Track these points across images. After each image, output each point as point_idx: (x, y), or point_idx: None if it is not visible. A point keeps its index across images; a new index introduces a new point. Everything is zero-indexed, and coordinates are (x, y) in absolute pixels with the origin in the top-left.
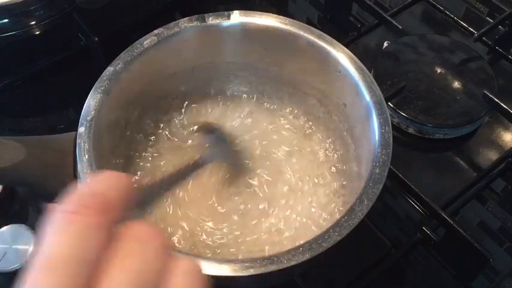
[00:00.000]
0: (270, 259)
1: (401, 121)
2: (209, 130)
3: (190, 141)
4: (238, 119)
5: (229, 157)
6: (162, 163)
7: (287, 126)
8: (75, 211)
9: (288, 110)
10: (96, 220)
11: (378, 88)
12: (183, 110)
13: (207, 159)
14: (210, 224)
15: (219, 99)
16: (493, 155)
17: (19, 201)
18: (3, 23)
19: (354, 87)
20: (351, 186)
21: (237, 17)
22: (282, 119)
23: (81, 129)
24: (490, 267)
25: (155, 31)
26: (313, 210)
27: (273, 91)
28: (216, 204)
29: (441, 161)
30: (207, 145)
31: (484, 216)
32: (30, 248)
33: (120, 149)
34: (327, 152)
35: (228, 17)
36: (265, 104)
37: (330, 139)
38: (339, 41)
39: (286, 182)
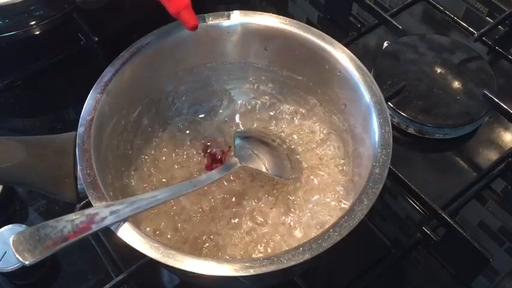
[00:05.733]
0: (270, 259)
1: (401, 121)
2: (241, 136)
3: (190, 141)
4: (239, 118)
5: (255, 161)
6: (162, 163)
7: (286, 126)
8: None
9: (288, 110)
10: None
11: (378, 88)
12: (183, 110)
13: (236, 163)
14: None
15: (219, 99)
16: (493, 155)
17: (19, 201)
18: (3, 23)
19: (354, 87)
20: (351, 185)
21: (237, 17)
22: (282, 119)
23: (81, 129)
24: (490, 267)
25: (155, 31)
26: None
27: (272, 91)
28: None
29: (441, 161)
30: (237, 150)
31: (484, 216)
32: None
33: (120, 149)
34: (327, 152)
35: (228, 17)
36: (265, 104)
37: (330, 139)
38: (339, 41)
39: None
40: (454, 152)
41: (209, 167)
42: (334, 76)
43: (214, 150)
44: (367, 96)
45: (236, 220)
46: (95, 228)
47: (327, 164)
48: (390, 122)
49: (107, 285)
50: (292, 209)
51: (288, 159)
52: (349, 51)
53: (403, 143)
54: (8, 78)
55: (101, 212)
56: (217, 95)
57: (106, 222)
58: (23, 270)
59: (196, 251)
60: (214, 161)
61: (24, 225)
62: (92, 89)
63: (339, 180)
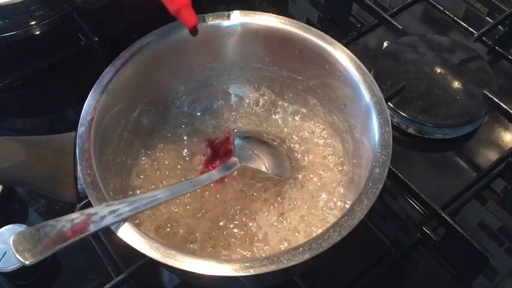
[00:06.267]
0: (270, 259)
1: (401, 121)
2: (241, 136)
3: (190, 141)
4: (239, 118)
5: (256, 161)
6: (162, 163)
7: (286, 126)
8: None
9: (288, 110)
10: None
11: (378, 88)
12: (183, 109)
13: (236, 163)
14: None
15: (219, 99)
16: (493, 155)
17: (19, 201)
18: (3, 23)
19: (354, 87)
20: (351, 185)
21: (237, 17)
22: (282, 119)
23: (81, 129)
24: (490, 267)
25: (155, 31)
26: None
27: (272, 91)
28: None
29: (441, 161)
30: (237, 150)
31: (484, 216)
32: None
33: (120, 149)
34: (327, 152)
35: (228, 17)
36: (265, 104)
37: (330, 139)
38: (339, 41)
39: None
40: (454, 152)
41: (207, 164)
42: (334, 76)
43: (214, 146)
44: (367, 96)
45: (236, 220)
46: (94, 228)
47: (327, 164)
48: (390, 122)
49: (107, 285)
50: (292, 209)
51: (288, 159)
52: (349, 51)
53: (403, 143)
54: (8, 78)
55: (101, 211)
56: (217, 94)
57: (106, 222)
58: (23, 270)
59: (196, 251)
60: (214, 157)
61: (24, 225)
62: (92, 89)
63: (339, 180)
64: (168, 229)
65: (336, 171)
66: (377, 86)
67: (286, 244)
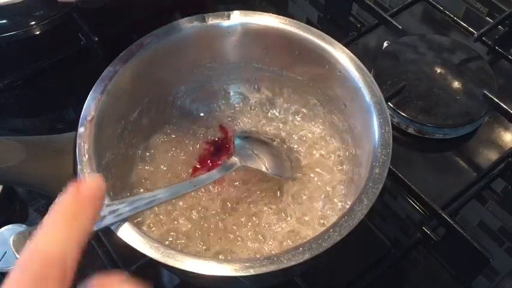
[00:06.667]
0: (270, 259)
1: (401, 121)
2: (241, 136)
3: (190, 141)
4: (239, 118)
5: (255, 161)
6: (162, 163)
7: (286, 125)
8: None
9: (288, 110)
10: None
11: (378, 88)
12: (183, 109)
13: (236, 163)
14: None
15: (219, 99)
16: (493, 155)
17: (19, 201)
18: (3, 23)
19: (354, 87)
20: (351, 185)
21: (237, 17)
22: (282, 119)
23: (81, 129)
24: (490, 267)
25: (155, 31)
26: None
27: (272, 91)
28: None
29: (441, 161)
30: (237, 150)
31: (484, 216)
32: None
33: (120, 148)
34: (327, 152)
35: (228, 17)
36: (265, 104)
37: (330, 139)
38: (339, 41)
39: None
40: (454, 152)
41: (206, 164)
42: (334, 76)
43: (214, 146)
44: (367, 96)
45: (236, 221)
46: (95, 228)
47: (327, 164)
48: (390, 122)
49: None
50: (292, 209)
51: (288, 158)
52: (349, 51)
53: (403, 143)
54: (8, 78)
55: (101, 211)
56: (217, 95)
57: (106, 222)
58: None
59: (196, 252)
60: (214, 156)
61: (24, 225)
62: (92, 89)
63: (339, 180)
64: (172, 232)
65: (335, 171)
66: (377, 86)
67: (286, 244)
